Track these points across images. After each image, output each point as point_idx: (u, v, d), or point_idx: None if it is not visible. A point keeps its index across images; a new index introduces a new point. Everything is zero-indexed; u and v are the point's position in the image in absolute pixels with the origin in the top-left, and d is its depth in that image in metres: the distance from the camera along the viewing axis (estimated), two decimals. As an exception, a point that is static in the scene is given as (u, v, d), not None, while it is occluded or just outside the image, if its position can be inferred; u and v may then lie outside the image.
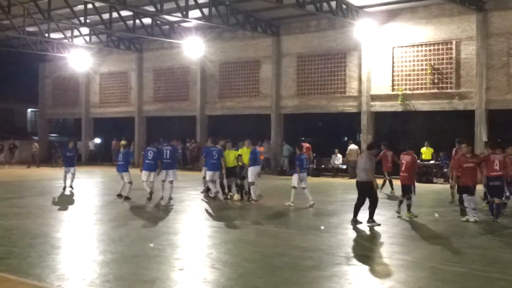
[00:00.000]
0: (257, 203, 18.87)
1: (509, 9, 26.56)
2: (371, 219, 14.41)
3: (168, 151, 19.68)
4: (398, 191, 18.58)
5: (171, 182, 19.64)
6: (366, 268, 10.14)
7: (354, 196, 21.22)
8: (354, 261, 10.61)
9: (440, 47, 28.40)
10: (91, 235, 13.13)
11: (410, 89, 29.22)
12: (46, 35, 36.33)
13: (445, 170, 26.24)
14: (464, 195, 15.28)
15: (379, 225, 14.26)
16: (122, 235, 12.84)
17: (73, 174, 23.27)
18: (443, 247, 11.95)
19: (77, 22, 32.89)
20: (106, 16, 31.71)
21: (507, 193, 15.76)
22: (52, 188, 24.06)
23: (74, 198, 20.96)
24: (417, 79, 29.08)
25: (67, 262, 10.31)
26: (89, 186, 25.68)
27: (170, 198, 19.45)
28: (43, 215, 16.17)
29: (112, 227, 14.21)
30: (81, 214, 16.84)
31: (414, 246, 12.05)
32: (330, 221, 15.29)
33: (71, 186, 23.05)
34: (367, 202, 14.66)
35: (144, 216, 16.33)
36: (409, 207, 15.89)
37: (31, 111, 57.68)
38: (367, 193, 14.52)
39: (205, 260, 10.41)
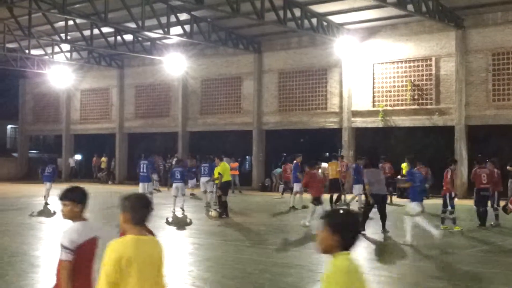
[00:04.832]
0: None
1: (488, 26, 26.92)
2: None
3: (144, 165, 21.18)
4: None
5: (150, 193, 20.68)
6: (347, 284, 10.11)
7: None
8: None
9: (420, 63, 28.67)
10: (71, 253, 12.96)
11: (390, 105, 29.43)
12: (27, 51, 36.11)
13: (426, 185, 26.35)
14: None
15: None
16: (102, 253, 12.68)
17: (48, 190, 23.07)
18: (425, 263, 11.98)
19: (58, 39, 32.81)
20: (87, 32, 31.62)
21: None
22: (31, 205, 23.79)
23: (53, 215, 20.72)
24: (398, 95, 29.31)
25: (45, 280, 10.17)
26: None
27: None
28: (22, 232, 15.97)
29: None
30: (60, 231, 16.62)
31: (396, 262, 12.07)
32: (311, 237, 15.24)
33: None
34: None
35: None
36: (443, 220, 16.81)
37: (11, 127, 57.20)
38: (383, 204, 15.79)
39: (186, 277, 10.34)
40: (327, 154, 33.86)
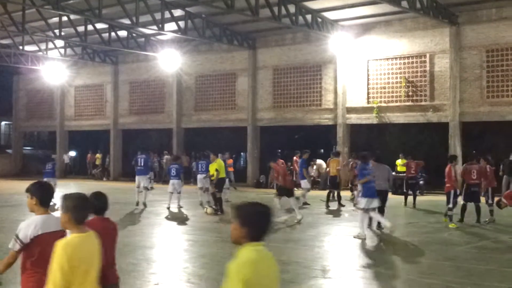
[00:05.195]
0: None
1: (482, 22, 26.97)
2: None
3: (141, 159, 22.08)
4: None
5: (145, 188, 21.68)
6: (342, 281, 10.15)
7: (329, 208, 21.32)
8: (330, 274, 10.62)
9: (414, 60, 28.71)
10: (65, 250, 12.94)
11: (385, 102, 29.47)
12: (21, 47, 36.00)
13: (421, 182, 26.46)
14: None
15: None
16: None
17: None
18: (418, 259, 12.02)
19: (52, 35, 32.71)
20: (81, 28, 31.55)
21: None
22: (25, 202, 23.70)
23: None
24: (392, 92, 29.35)
25: (40, 277, 10.15)
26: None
27: (144, 204, 21.11)
28: (16, 229, 15.90)
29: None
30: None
31: (390, 259, 12.10)
32: (307, 233, 15.29)
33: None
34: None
35: (120, 229, 16.13)
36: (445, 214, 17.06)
37: (5, 124, 57.08)
38: (385, 200, 15.93)
39: (181, 274, 10.35)
40: (322, 150, 33.92)
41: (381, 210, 15.86)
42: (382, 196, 15.73)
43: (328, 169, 22.69)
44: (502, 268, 11.15)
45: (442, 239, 14.50)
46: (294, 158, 23.36)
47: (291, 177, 18.27)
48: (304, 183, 22.16)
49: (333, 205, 21.69)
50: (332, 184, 22.56)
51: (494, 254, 12.60)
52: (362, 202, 14.67)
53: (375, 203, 14.71)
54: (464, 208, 17.03)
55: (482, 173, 17.33)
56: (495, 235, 15.26)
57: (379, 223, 15.67)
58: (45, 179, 23.43)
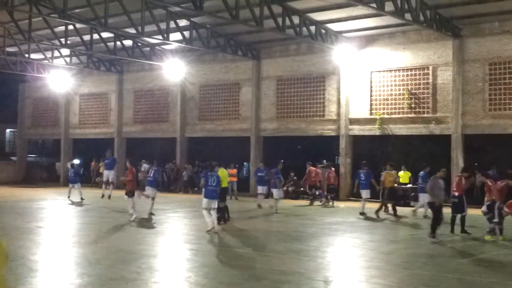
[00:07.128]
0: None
1: (485, 35, 27.11)
2: (432, 234, 15.88)
3: (152, 171, 23.00)
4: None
5: (153, 198, 21.86)
6: (343, 291, 10.20)
7: (332, 219, 21.41)
8: (332, 285, 10.67)
9: (417, 72, 28.84)
10: (69, 258, 13.05)
11: (387, 113, 29.58)
12: (26, 55, 36.24)
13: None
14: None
15: (439, 241, 15.61)
16: (100, 258, 12.79)
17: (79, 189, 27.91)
18: (420, 271, 12.05)
19: (58, 43, 32.94)
20: (86, 37, 31.77)
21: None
22: (30, 209, 23.86)
23: (52, 219, 20.83)
24: (395, 104, 29.46)
25: (44, 285, 10.26)
26: (67, 207, 25.51)
27: (151, 213, 21.13)
28: (21, 237, 16.01)
29: (90, 249, 14.14)
30: (58, 236, 16.74)
31: (392, 270, 12.14)
32: (310, 244, 15.34)
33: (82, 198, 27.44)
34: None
35: (123, 238, 16.26)
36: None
37: (10, 131, 57.22)
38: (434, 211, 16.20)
39: (184, 284, 10.41)
40: (324, 161, 33.94)
41: (437, 222, 16.10)
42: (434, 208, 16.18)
43: (383, 181, 22.82)
44: (505, 281, 11.17)
45: (444, 251, 14.53)
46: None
47: (134, 182, 20.80)
48: (365, 193, 23.06)
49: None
50: (389, 196, 22.73)
51: (497, 267, 12.63)
52: (203, 202, 16.84)
53: (215, 204, 16.86)
54: (452, 219, 17.43)
55: (461, 185, 17.55)
56: (497, 248, 15.28)
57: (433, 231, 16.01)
58: (70, 185, 28.17)
